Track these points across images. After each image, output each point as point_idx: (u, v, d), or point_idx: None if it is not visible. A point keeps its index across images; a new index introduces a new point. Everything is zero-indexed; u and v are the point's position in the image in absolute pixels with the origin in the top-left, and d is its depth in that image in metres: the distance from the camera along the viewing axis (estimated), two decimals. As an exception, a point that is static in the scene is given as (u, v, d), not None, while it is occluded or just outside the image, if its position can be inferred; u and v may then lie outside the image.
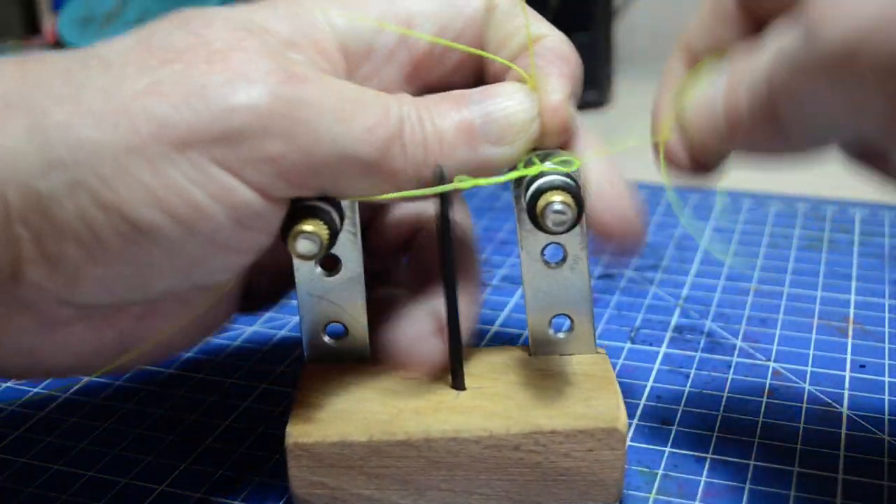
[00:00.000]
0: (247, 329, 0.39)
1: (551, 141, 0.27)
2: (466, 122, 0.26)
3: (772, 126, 0.24)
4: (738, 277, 0.42)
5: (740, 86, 0.25)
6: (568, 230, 0.26)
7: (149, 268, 0.24)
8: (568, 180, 0.26)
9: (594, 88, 0.68)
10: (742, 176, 0.52)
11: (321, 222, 0.25)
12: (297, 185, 0.24)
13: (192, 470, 0.31)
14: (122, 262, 0.23)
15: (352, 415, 0.28)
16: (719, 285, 0.41)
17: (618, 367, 0.36)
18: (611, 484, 0.27)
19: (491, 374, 0.29)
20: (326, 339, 0.30)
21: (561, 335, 0.30)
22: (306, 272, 0.29)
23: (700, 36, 0.28)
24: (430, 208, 0.30)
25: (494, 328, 0.38)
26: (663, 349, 0.37)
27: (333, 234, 0.26)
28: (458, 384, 0.29)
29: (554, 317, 0.30)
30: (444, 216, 0.27)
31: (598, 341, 0.37)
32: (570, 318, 0.30)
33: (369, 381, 0.29)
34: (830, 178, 0.48)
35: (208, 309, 0.27)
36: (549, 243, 0.29)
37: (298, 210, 0.25)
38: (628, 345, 0.37)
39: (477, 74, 0.30)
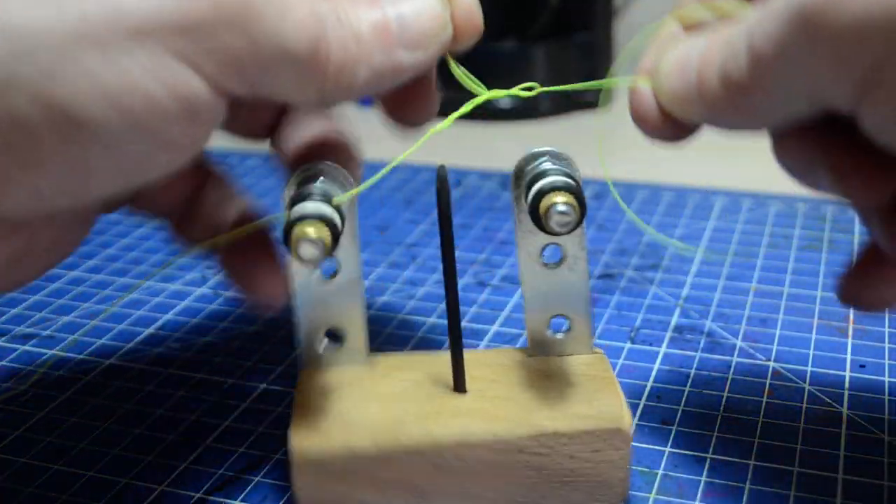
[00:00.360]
0: (247, 329, 0.39)
1: (462, 46, 0.27)
2: (382, 23, 0.25)
3: (741, 93, 0.23)
4: (738, 277, 0.42)
5: (718, 46, 0.24)
6: (571, 231, 0.26)
7: (86, 171, 0.22)
8: (570, 181, 0.26)
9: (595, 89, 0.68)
10: (742, 176, 0.52)
11: (323, 225, 0.25)
12: (247, 79, 0.23)
13: (192, 470, 0.31)
14: (58, 165, 0.21)
15: (355, 421, 0.27)
16: (719, 285, 0.41)
17: (618, 367, 0.36)
18: (616, 484, 0.27)
19: (491, 375, 0.29)
20: (323, 344, 0.29)
21: (559, 336, 0.30)
22: (304, 277, 0.28)
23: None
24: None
25: (495, 328, 0.38)
26: (663, 349, 0.37)
27: (335, 238, 0.25)
28: (460, 387, 0.29)
29: (552, 317, 0.30)
30: (444, 215, 0.27)
31: (597, 341, 0.37)
32: (568, 318, 0.30)
33: (368, 385, 0.29)
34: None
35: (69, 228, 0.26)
36: (548, 244, 0.29)
37: (299, 214, 0.25)
38: (628, 345, 0.37)
39: None
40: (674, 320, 0.39)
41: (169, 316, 0.41)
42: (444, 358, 0.30)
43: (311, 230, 0.24)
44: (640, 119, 0.27)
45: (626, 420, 0.27)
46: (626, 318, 0.39)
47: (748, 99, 0.23)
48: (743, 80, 0.23)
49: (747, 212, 0.49)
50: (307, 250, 0.24)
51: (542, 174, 0.26)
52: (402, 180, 0.54)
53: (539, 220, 0.26)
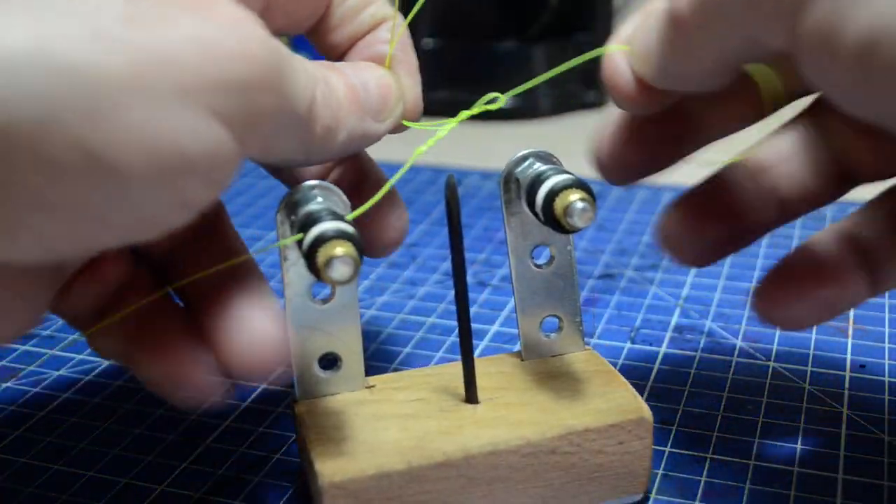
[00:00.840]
0: (247, 329, 0.39)
1: (409, 121, 0.29)
2: (353, 90, 0.26)
3: (682, 28, 0.23)
4: (738, 277, 0.42)
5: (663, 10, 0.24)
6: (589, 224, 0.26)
7: (100, 219, 0.20)
8: (578, 178, 0.26)
9: (594, 88, 0.68)
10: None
11: (349, 243, 0.23)
12: (264, 139, 0.23)
13: (192, 470, 0.31)
14: (73, 210, 0.20)
15: (380, 443, 0.26)
16: (719, 285, 0.41)
17: (618, 367, 0.35)
18: (640, 473, 0.28)
19: (496, 384, 0.29)
20: (319, 372, 0.28)
21: (552, 336, 0.30)
22: (299, 303, 0.27)
23: None
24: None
25: (495, 328, 0.38)
26: (663, 349, 0.37)
27: (361, 255, 0.24)
28: (472, 397, 0.28)
29: (544, 318, 0.30)
30: (455, 230, 0.27)
31: (597, 341, 0.37)
32: (559, 318, 0.30)
33: (377, 408, 0.28)
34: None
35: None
36: (538, 245, 0.29)
37: (322, 234, 0.23)
38: (628, 345, 0.37)
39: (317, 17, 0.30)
40: (674, 320, 0.39)
41: (169, 316, 0.40)
42: (441, 370, 0.30)
43: (339, 249, 0.23)
44: (613, 86, 0.27)
45: (646, 408, 0.27)
46: (626, 318, 0.39)
47: (689, 38, 0.23)
48: (684, 13, 0.23)
49: (747, 212, 0.49)
50: (340, 270, 0.23)
51: (543, 175, 0.26)
52: (402, 180, 0.54)
53: (555, 220, 0.26)
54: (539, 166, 0.27)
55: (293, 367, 0.28)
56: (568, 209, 0.25)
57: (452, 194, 0.27)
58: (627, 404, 0.28)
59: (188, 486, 0.30)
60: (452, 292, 0.42)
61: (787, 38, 0.20)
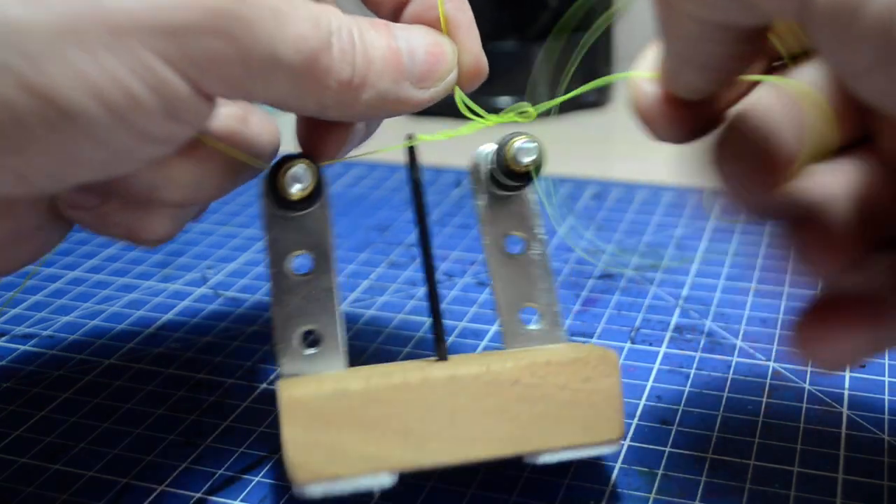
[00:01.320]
0: (247, 329, 0.39)
1: (466, 89, 0.29)
2: (394, 53, 0.26)
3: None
4: (738, 277, 0.42)
5: None
6: (538, 167, 0.29)
7: (70, 158, 0.23)
8: (521, 130, 0.29)
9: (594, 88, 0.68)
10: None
11: (305, 159, 0.27)
12: (232, 84, 0.24)
13: (192, 470, 0.31)
14: (43, 151, 0.22)
15: (344, 377, 0.27)
16: (719, 285, 0.41)
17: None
18: (612, 416, 0.27)
19: (470, 356, 0.30)
20: (300, 350, 0.29)
21: (532, 327, 0.31)
22: (279, 278, 0.29)
23: None
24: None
25: (494, 328, 0.38)
26: (663, 349, 0.37)
27: (320, 179, 0.28)
28: (442, 354, 0.29)
29: (522, 309, 0.31)
30: (419, 200, 0.29)
31: (597, 341, 0.37)
32: (537, 309, 0.31)
33: (353, 372, 0.28)
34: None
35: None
36: (509, 234, 0.30)
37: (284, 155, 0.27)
38: (628, 345, 0.37)
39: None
40: (674, 320, 0.39)
41: (169, 316, 0.41)
42: (423, 359, 0.30)
43: (299, 165, 0.27)
44: (644, 114, 0.26)
45: (611, 351, 0.27)
46: (626, 318, 0.39)
47: (681, 11, 0.23)
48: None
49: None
50: (299, 169, 0.27)
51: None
52: (402, 181, 0.54)
53: (508, 167, 0.29)
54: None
55: (275, 341, 0.29)
56: (514, 151, 0.29)
57: (412, 157, 0.29)
58: (595, 350, 0.27)
59: (188, 486, 0.30)
60: (452, 292, 0.42)
61: (798, 8, 0.19)
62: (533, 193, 0.31)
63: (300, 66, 0.24)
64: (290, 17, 0.24)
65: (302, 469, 0.25)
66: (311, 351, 0.29)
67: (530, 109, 0.29)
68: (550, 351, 0.28)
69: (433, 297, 0.29)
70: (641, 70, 0.27)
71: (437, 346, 0.29)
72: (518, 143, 0.29)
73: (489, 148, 0.30)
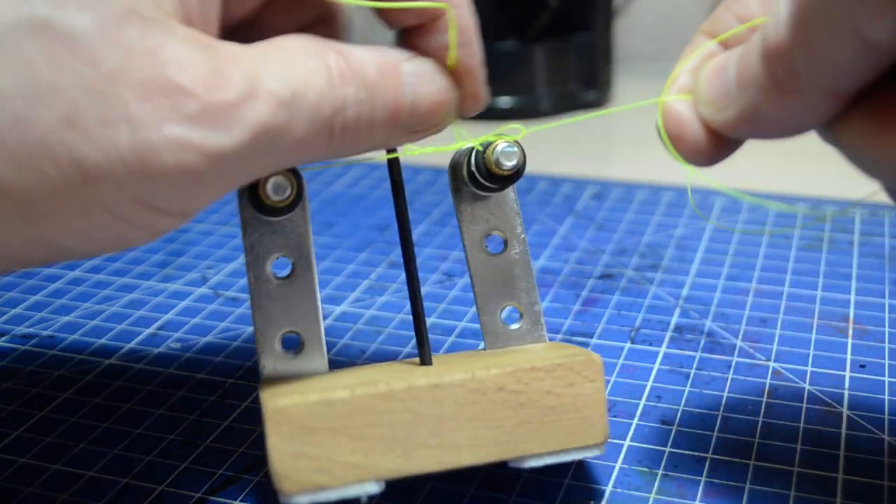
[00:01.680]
0: (247, 329, 0.39)
1: (464, 117, 0.28)
2: (397, 109, 0.25)
3: (782, 58, 0.22)
4: (738, 277, 0.42)
5: (753, 46, 0.23)
6: (518, 171, 0.29)
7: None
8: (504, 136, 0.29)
9: (594, 88, 0.68)
10: (742, 176, 0.52)
11: (291, 174, 0.27)
12: (245, 172, 0.24)
13: (192, 470, 0.31)
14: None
15: (328, 384, 0.27)
16: (719, 285, 0.41)
17: (618, 367, 0.36)
18: (596, 420, 0.27)
19: (451, 358, 0.30)
20: (282, 352, 0.29)
21: (513, 327, 0.31)
22: (260, 280, 0.29)
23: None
24: None
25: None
26: (663, 349, 0.37)
27: (300, 185, 0.27)
28: (426, 359, 0.29)
29: (503, 308, 0.31)
30: (399, 201, 0.28)
31: (597, 341, 0.37)
32: (518, 309, 0.31)
33: (336, 377, 0.28)
34: (830, 178, 0.48)
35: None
36: (489, 233, 0.30)
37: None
38: (628, 345, 0.37)
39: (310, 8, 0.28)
40: (674, 320, 0.39)
41: (169, 316, 0.41)
42: (407, 361, 0.31)
43: (280, 175, 0.27)
44: (676, 137, 0.26)
45: (596, 356, 0.27)
46: (626, 318, 0.39)
47: (791, 65, 0.22)
48: (782, 39, 0.21)
49: (747, 212, 0.49)
50: (280, 179, 0.27)
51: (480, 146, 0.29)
52: (402, 180, 0.54)
53: (489, 171, 0.29)
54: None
55: (256, 345, 0.29)
56: (496, 155, 0.29)
57: (395, 166, 0.29)
58: (579, 353, 0.28)
59: (188, 486, 0.30)
60: (452, 292, 0.42)
61: None
62: (513, 192, 0.31)
63: (308, 154, 0.24)
64: (286, 124, 0.23)
65: (288, 480, 0.25)
66: (292, 353, 0.29)
67: (522, 129, 0.29)
68: (535, 355, 0.28)
69: (415, 302, 0.29)
70: (678, 89, 0.26)
71: (420, 350, 0.29)
72: (500, 146, 0.29)
73: (468, 146, 0.30)
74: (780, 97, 0.23)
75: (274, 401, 0.25)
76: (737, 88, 0.24)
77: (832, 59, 0.21)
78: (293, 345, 0.29)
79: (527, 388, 0.27)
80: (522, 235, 0.31)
